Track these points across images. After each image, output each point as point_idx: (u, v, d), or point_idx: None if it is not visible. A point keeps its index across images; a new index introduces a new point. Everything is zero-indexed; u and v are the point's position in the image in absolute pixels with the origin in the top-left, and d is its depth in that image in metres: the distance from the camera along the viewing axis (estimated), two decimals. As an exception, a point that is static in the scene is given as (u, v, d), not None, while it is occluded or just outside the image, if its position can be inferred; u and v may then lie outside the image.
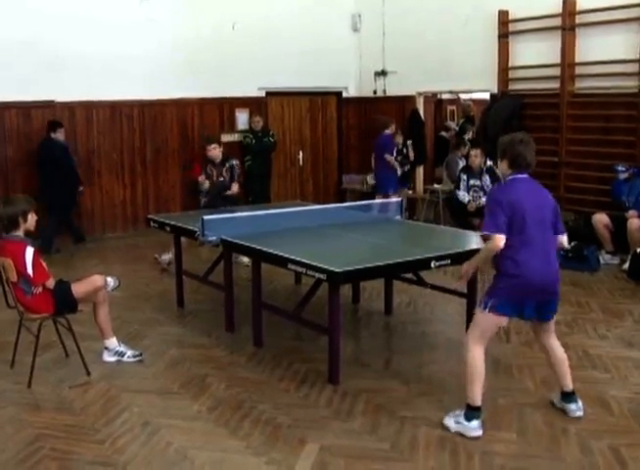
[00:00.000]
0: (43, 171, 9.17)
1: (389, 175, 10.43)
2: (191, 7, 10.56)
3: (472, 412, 3.99)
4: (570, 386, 4.23)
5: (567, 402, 4.25)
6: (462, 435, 3.98)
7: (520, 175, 3.98)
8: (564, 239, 4.11)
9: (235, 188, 8.25)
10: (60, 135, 9.34)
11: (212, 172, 8.08)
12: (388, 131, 10.39)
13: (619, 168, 8.14)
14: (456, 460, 3.77)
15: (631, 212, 7.79)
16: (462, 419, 4.01)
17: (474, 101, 12.89)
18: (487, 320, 4.01)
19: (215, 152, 8.09)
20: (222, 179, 8.08)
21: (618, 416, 4.25)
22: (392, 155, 10.40)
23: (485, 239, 3.97)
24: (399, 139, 10.74)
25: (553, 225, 4.00)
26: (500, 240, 3.84)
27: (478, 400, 3.99)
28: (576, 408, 4.22)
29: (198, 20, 10.55)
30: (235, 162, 8.41)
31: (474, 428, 3.96)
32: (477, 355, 4.00)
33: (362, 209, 6.85)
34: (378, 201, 7.48)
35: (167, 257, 8.06)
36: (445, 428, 4.06)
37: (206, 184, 8.06)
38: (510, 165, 3.99)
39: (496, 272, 4.01)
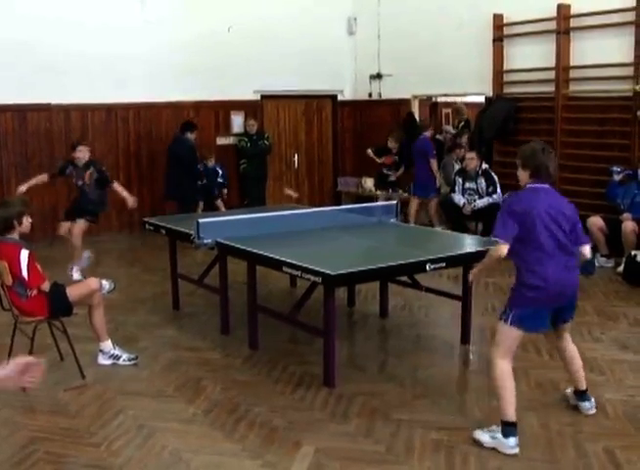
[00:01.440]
0: (172, 167, 9.71)
1: (431, 179, 10.05)
2: (187, 10, 10.57)
3: (508, 428, 3.87)
4: (583, 385, 4.30)
5: (580, 401, 4.31)
6: (496, 450, 3.87)
7: (538, 185, 3.92)
8: (585, 249, 4.10)
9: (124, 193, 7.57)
10: (192, 136, 9.91)
11: (72, 173, 7.58)
12: (426, 134, 10.03)
13: (615, 169, 8.17)
14: (451, 463, 3.77)
15: (626, 215, 7.81)
16: (499, 435, 3.89)
17: (467, 104, 12.88)
18: (512, 334, 3.94)
19: (83, 154, 7.57)
20: (82, 183, 7.58)
21: (614, 419, 4.26)
22: (434, 158, 9.99)
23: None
24: (393, 144, 10.67)
25: (572, 234, 3.95)
26: (504, 248, 3.80)
27: (511, 416, 3.88)
28: (590, 406, 4.28)
29: (194, 22, 10.55)
30: (101, 166, 7.74)
31: (511, 445, 3.85)
32: (505, 371, 3.92)
33: (357, 211, 6.83)
34: (373, 204, 7.47)
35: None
36: (477, 442, 3.94)
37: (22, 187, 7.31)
38: (532, 175, 3.93)
39: (516, 283, 3.95)
